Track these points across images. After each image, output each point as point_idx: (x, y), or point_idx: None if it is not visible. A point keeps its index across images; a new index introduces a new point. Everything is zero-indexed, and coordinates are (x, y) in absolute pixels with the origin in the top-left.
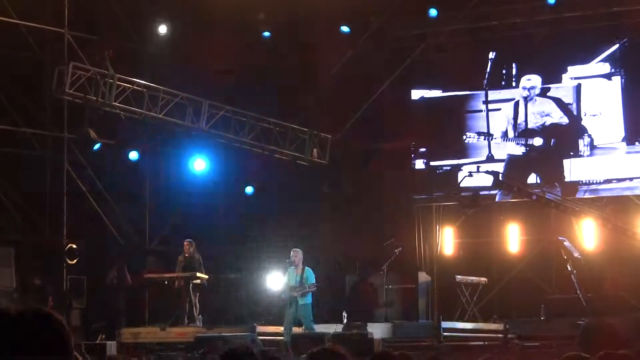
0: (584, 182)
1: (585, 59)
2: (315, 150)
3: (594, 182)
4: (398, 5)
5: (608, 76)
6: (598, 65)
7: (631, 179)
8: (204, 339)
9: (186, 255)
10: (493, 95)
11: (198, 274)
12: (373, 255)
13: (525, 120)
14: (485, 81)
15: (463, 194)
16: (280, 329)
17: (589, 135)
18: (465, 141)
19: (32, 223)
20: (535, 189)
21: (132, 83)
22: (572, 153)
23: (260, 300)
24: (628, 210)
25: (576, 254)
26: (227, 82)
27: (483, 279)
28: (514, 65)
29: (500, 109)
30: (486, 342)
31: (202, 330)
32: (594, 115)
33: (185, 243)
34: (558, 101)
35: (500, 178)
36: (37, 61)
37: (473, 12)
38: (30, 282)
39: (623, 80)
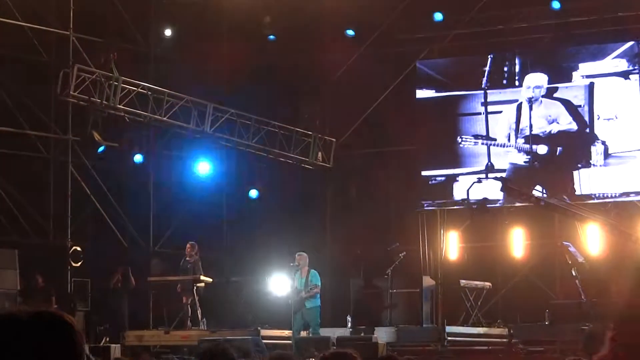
0: (596, 195)
1: (598, 55)
2: (319, 153)
3: (609, 195)
4: (403, 9)
5: (625, 74)
6: (613, 62)
7: None
8: (208, 342)
9: (188, 258)
10: (493, 96)
11: (201, 277)
12: (377, 259)
13: (530, 125)
14: (484, 80)
15: (472, 200)
16: (284, 332)
17: (603, 142)
18: (461, 145)
19: (37, 225)
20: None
21: (137, 86)
22: (582, 163)
23: (264, 304)
24: (633, 216)
25: (581, 259)
26: (232, 85)
27: (487, 284)
28: (517, 61)
29: (501, 112)
30: (490, 347)
31: (206, 334)
32: (608, 119)
33: (187, 246)
34: (567, 103)
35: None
36: (42, 63)
37: (478, 17)
38: (33, 285)
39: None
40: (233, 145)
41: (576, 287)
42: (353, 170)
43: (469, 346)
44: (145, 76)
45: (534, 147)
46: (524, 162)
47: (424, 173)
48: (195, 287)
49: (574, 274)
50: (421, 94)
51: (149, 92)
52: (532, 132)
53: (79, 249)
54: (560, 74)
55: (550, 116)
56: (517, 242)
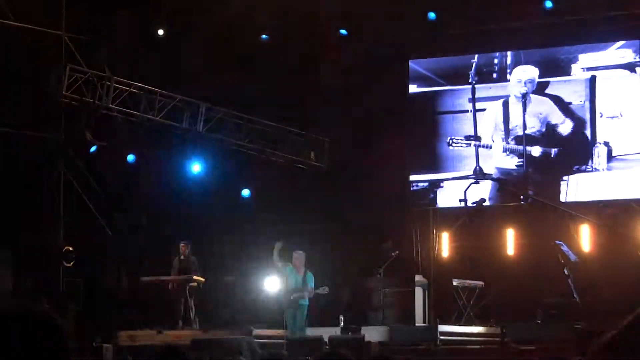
0: (599, 203)
1: (600, 45)
2: (312, 153)
3: (612, 203)
4: (397, 8)
5: (631, 67)
6: (618, 53)
7: None
8: (201, 342)
9: (182, 257)
10: (482, 91)
11: (194, 277)
12: (370, 258)
13: (523, 124)
14: (472, 73)
15: (472, 202)
16: (277, 332)
17: (606, 144)
18: (450, 147)
19: (29, 225)
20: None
21: (130, 85)
22: (581, 166)
23: (257, 304)
24: (626, 214)
25: (573, 258)
26: (225, 85)
27: (480, 283)
28: (509, 54)
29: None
30: (483, 346)
31: (199, 334)
32: (612, 118)
33: (181, 245)
34: (557, 100)
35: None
36: (33, 63)
37: (472, 16)
38: (23, 284)
39: None
40: (226, 145)
41: (569, 286)
42: (346, 169)
43: (461, 345)
44: (138, 76)
45: (528, 148)
46: (516, 165)
47: (413, 178)
48: (188, 287)
49: (566, 273)
50: (413, 90)
51: (142, 92)
52: (526, 132)
53: (71, 249)
54: (557, 66)
55: (541, 114)
56: (510, 242)
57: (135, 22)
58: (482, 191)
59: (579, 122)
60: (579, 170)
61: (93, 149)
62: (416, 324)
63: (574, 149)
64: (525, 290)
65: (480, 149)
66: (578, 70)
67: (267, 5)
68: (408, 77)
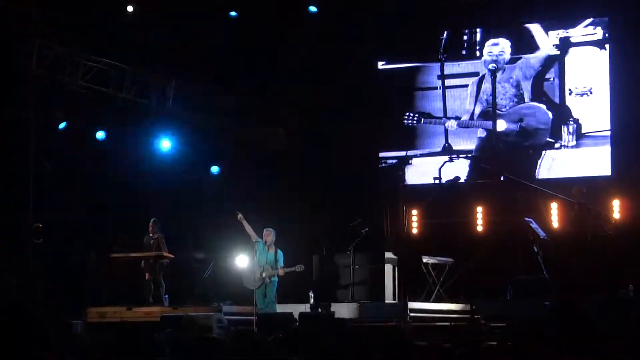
0: (563, 180)
1: (569, 22)
2: (281, 129)
3: (581, 180)
4: None
5: (600, 44)
6: (587, 30)
7: None
8: (171, 318)
9: (151, 234)
10: (451, 68)
11: (163, 253)
12: (340, 235)
13: (491, 99)
14: (440, 50)
15: (446, 180)
16: (247, 309)
17: (575, 121)
18: (406, 123)
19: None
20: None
21: (99, 62)
22: (549, 143)
23: (226, 280)
24: (594, 191)
25: (542, 235)
26: (194, 61)
27: (449, 260)
28: (478, 30)
29: (459, 86)
30: (453, 323)
31: (168, 310)
32: (582, 95)
33: (150, 223)
34: (529, 70)
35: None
36: (2, 38)
37: None
38: None
39: (609, 49)
40: (195, 122)
41: (538, 263)
42: (315, 145)
43: (431, 322)
44: (108, 52)
45: (489, 123)
46: (479, 138)
47: (381, 155)
48: (158, 264)
49: (536, 250)
50: (381, 67)
51: (111, 68)
52: (494, 105)
53: (40, 225)
54: (526, 43)
55: (510, 88)
56: (479, 219)
57: None
58: (459, 169)
59: (547, 99)
60: (547, 147)
61: (62, 125)
62: (386, 301)
63: (542, 125)
64: (495, 267)
65: (448, 123)
66: (547, 47)
67: None
68: (377, 54)
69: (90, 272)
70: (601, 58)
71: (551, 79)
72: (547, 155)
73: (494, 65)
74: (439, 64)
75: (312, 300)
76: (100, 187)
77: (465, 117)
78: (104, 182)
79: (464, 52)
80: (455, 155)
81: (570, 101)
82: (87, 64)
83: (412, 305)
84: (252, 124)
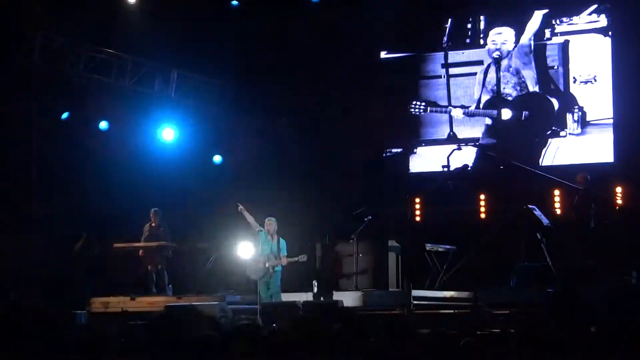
0: (571, 167)
1: (573, 10)
2: (284, 118)
3: (586, 167)
4: None
5: (604, 31)
6: (591, 17)
7: None
8: (174, 308)
9: (153, 224)
10: (455, 56)
11: (166, 243)
12: (343, 223)
13: (496, 87)
14: (445, 39)
15: (455, 168)
16: (250, 298)
17: (580, 109)
18: (411, 111)
19: (1, 192)
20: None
21: (101, 52)
22: (554, 131)
23: (231, 270)
24: (598, 178)
25: (546, 222)
26: (196, 50)
27: (453, 248)
28: (482, 18)
29: (464, 74)
30: (456, 311)
31: (172, 300)
32: (586, 82)
33: (151, 213)
34: (538, 59)
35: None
36: (4, 29)
37: None
38: None
39: (612, 37)
40: (198, 111)
41: (541, 250)
42: (319, 135)
43: (434, 310)
44: (110, 42)
45: (494, 112)
46: (487, 127)
47: (385, 143)
48: (161, 253)
49: (539, 237)
50: (385, 56)
51: (113, 58)
52: (499, 93)
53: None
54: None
55: (515, 76)
56: (482, 206)
57: None
58: (467, 157)
59: (552, 87)
60: (553, 135)
61: (65, 115)
62: (389, 289)
63: (545, 113)
64: (498, 255)
65: (453, 111)
66: (552, 35)
67: None
68: (381, 43)
69: (93, 262)
70: (605, 45)
71: (555, 67)
72: (553, 144)
73: (498, 53)
74: (443, 52)
75: (315, 289)
76: (103, 176)
77: (472, 106)
78: (107, 171)
79: (467, 40)
80: (464, 144)
81: (574, 89)
82: (88, 54)
83: (416, 293)
84: (254, 113)
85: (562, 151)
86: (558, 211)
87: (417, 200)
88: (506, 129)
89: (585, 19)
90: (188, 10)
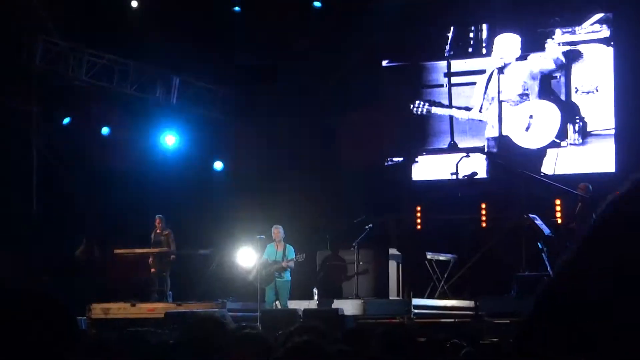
0: (572, 177)
1: (575, 20)
2: (285, 126)
3: (587, 176)
4: None
5: (606, 41)
6: (593, 27)
7: None
8: (175, 315)
9: (157, 231)
10: (457, 65)
11: (168, 249)
12: (344, 231)
13: (498, 93)
14: (447, 47)
15: (463, 176)
16: (251, 305)
17: (581, 119)
18: (414, 111)
19: (1, 196)
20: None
21: (103, 57)
22: (557, 140)
23: (231, 277)
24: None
25: (547, 232)
26: (198, 56)
27: (454, 256)
28: (484, 27)
29: (466, 83)
30: (457, 320)
31: (173, 307)
32: (587, 93)
33: (156, 219)
34: (539, 68)
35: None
36: (6, 34)
37: None
38: None
39: (614, 47)
40: (199, 117)
41: (542, 260)
42: (321, 141)
43: (435, 319)
44: (111, 47)
45: (500, 117)
46: (490, 134)
47: (387, 152)
48: (162, 260)
49: (540, 246)
50: (387, 64)
51: (115, 64)
52: (503, 100)
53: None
54: (532, 41)
55: (522, 82)
56: (483, 215)
57: None
58: (475, 165)
59: (555, 96)
60: (554, 145)
61: (66, 120)
62: (390, 297)
63: (550, 122)
64: (499, 264)
65: (457, 124)
66: (553, 45)
67: None
68: (382, 51)
69: (94, 268)
70: (607, 56)
71: (557, 77)
72: (552, 153)
73: (502, 61)
74: (446, 61)
75: (316, 297)
76: (104, 182)
77: (474, 110)
78: (108, 177)
79: (470, 49)
80: (473, 151)
81: (576, 99)
82: (90, 59)
83: (416, 301)
84: (256, 120)
85: (563, 161)
86: (559, 221)
87: (418, 208)
88: (509, 138)
89: (587, 29)
90: (190, 16)
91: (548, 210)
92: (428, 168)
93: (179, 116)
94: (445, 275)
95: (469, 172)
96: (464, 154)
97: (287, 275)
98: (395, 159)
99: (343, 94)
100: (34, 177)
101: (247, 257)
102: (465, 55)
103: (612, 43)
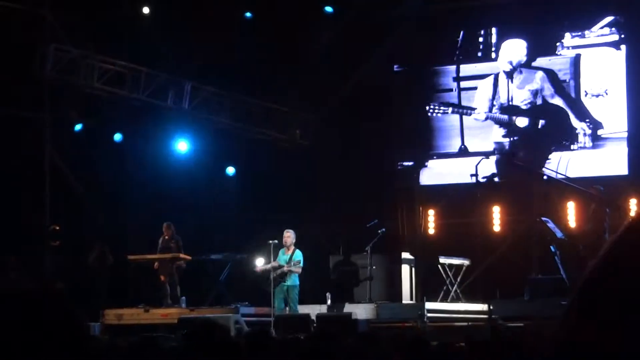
0: (584, 180)
1: (585, 24)
2: (297, 131)
3: (598, 179)
4: None
5: (615, 45)
6: (603, 31)
7: None
8: (188, 320)
9: (166, 237)
10: (466, 69)
11: (180, 255)
12: (357, 236)
13: (509, 98)
14: (457, 52)
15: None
16: (264, 309)
17: (591, 122)
18: (431, 115)
19: (15, 204)
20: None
21: (114, 64)
22: (567, 143)
23: (244, 282)
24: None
25: (559, 235)
26: (210, 63)
27: (466, 260)
28: (493, 31)
29: (475, 88)
30: (470, 323)
31: (186, 312)
32: (597, 96)
33: (164, 226)
34: (550, 73)
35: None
36: (18, 42)
37: None
38: (6, 264)
39: (626, 50)
40: (211, 123)
41: (555, 263)
42: (331, 147)
43: (448, 322)
44: (123, 54)
45: (513, 118)
46: (502, 136)
47: (397, 157)
48: (174, 265)
49: (553, 250)
50: (397, 69)
51: (127, 70)
52: (513, 104)
53: (57, 227)
54: (542, 44)
55: (530, 87)
56: (496, 218)
57: (120, 0)
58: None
59: (565, 99)
60: (564, 149)
61: (78, 127)
62: (403, 302)
63: (561, 124)
64: (512, 268)
65: (468, 129)
66: (563, 49)
67: None
68: (393, 57)
69: (107, 274)
70: (617, 59)
71: (566, 80)
72: (562, 156)
73: (510, 66)
74: (455, 65)
75: (329, 302)
76: (116, 188)
77: (480, 113)
78: (121, 183)
79: (479, 53)
80: (492, 153)
81: (585, 102)
82: (102, 66)
83: (429, 305)
84: (268, 126)
85: (574, 164)
86: (572, 224)
87: (431, 212)
88: (521, 139)
89: (597, 32)
90: (202, 22)
91: (561, 213)
92: (439, 172)
93: (191, 122)
94: (458, 279)
95: (488, 174)
96: (484, 156)
97: (293, 280)
98: (406, 163)
99: (355, 99)
100: (47, 184)
101: (259, 262)
102: (474, 59)
103: (624, 46)
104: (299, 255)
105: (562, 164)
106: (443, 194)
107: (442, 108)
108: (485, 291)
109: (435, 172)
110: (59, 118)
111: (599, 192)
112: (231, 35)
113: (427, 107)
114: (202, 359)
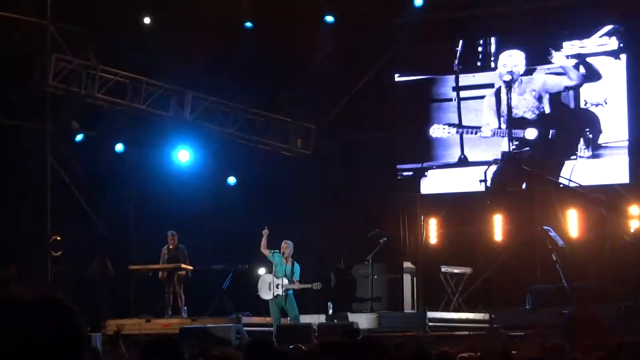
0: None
1: (584, 33)
2: (299, 140)
3: (599, 188)
4: None
5: (615, 54)
6: (602, 40)
7: None
8: (190, 330)
9: (170, 247)
10: (465, 79)
11: (183, 265)
12: (358, 245)
13: (509, 108)
14: (456, 62)
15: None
16: (266, 319)
17: (591, 131)
18: (432, 135)
19: (16, 214)
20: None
21: (116, 74)
22: (573, 151)
23: (246, 292)
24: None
25: (561, 244)
26: (211, 72)
27: (468, 269)
28: (493, 40)
29: (475, 97)
30: (471, 332)
31: (187, 322)
32: (596, 105)
33: (168, 236)
34: (547, 83)
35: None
36: (19, 53)
37: (457, 1)
38: (7, 275)
39: (627, 56)
40: (213, 133)
41: (556, 272)
42: (333, 156)
43: (450, 332)
44: (124, 64)
45: (520, 132)
46: (513, 149)
47: (398, 166)
48: (177, 275)
49: (554, 258)
50: (397, 79)
51: (128, 81)
52: (518, 115)
53: (58, 238)
54: (541, 53)
55: (535, 95)
56: (497, 227)
57: (121, 11)
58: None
59: (564, 109)
60: (565, 158)
61: (79, 138)
62: (405, 311)
63: (569, 131)
64: (513, 277)
65: (467, 136)
66: (562, 58)
67: None
68: (394, 66)
69: (108, 284)
70: (616, 68)
71: (566, 90)
72: (568, 164)
73: (509, 76)
74: (454, 75)
75: (330, 311)
76: (118, 198)
77: (485, 129)
78: (122, 193)
79: (478, 63)
80: (500, 158)
81: (585, 111)
82: (103, 76)
83: (431, 314)
84: (269, 136)
85: (576, 173)
86: (573, 232)
87: (432, 221)
88: (532, 149)
89: (596, 41)
90: (203, 32)
91: (563, 222)
92: (438, 182)
93: (192, 132)
94: (460, 288)
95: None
96: (492, 161)
97: (291, 291)
98: (406, 173)
99: (355, 109)
100: (48, 195)
101: (260, 272)
102: (474, 69)
103: (624, 55)
104: (297, 272)
105: (565, 173)
106: (444, 203)
107: (447, 129)
108: (487, 300)
109: (436, 182)
110: (61, 128)
111: (601, 202)
112: (232, 44)
113: (430, 128)
114: None
